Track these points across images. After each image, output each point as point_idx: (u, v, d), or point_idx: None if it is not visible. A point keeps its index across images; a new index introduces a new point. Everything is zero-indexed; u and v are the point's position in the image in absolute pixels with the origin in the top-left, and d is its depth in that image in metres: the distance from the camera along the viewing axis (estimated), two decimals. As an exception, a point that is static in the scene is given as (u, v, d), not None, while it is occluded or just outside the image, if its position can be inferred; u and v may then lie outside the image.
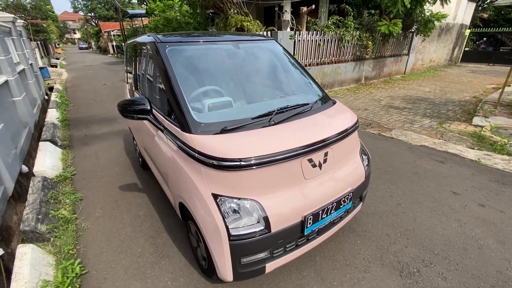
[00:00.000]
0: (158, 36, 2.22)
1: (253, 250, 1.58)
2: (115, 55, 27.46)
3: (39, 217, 2.64)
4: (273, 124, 1.81)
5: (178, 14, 11.49)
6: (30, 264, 2.02)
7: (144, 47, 2.55)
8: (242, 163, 1.50)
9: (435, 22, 9.69)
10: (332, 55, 8.81)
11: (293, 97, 2.35)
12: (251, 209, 1.55)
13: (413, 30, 10.79)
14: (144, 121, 2.45)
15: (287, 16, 8.62)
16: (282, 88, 2.50)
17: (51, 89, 9.44)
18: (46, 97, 8.07)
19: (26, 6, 18.27)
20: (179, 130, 1.76)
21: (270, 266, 1.69)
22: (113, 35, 28.85)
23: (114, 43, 28.31)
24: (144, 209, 2.87)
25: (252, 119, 1.82)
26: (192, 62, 2.20)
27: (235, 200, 1.54)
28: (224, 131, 1.69)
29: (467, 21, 15.17)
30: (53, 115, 6.08)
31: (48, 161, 3.77)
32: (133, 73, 3.06)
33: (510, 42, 15.38)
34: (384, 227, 2.50)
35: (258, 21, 8.09)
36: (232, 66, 2.37)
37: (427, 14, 9.73)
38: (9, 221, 2.58)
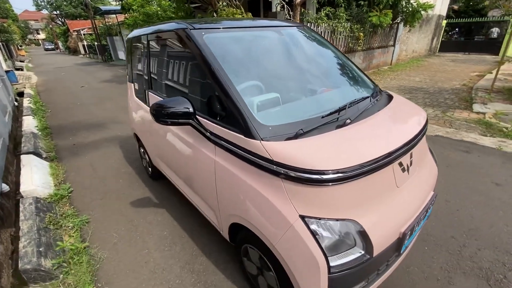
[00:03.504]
0: (188, 22, 1.81)
1: (353, 281, 1.27)
2: (87, 56, 25.73)
3: (40, 249, 2.16)
4: (348, 124, 1.50)
5: (158, 9, 10.75)
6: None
7: (164, 37, 2.12)
8: (340, 175, 1.18)
9: (422, 12, 9.79)
10: (325, 47, 8.61)
11: (348, 90, 2.03)
12: (351, 231, 1.23)
13: (398, 21, 10.88)
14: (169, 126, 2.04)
15: (279, 7, 8.29)
16: (333, 79, 2.16)
17: (20, 94, 8.49)
18: (16, 104, 7.21)
19: (-18, 4, 16.40)
20: (241, 136, 1.40)
21: (363, 296, 1.39)
22: (84, 34, 26.95)
23: (86, 43, 26.45)
24: (168, 228, 2.46)
25: (322, 117, 1.50)
26: (234, 51, 1.82)
27: (331, 223, 1.21)
28: (299, 135, 1.36)
29: (444, 12, 15.68)
30: (30, 123, 5.36)
31: (36, 177, 3.21)
32: (143, 70, 2.60)
33: (483, 31, 16.15)
34: (445, 228, 2.28)
35: (250, 13, 7.70)
36: (278, 56, 2.01)
37: (414, 4, 9.81)
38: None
